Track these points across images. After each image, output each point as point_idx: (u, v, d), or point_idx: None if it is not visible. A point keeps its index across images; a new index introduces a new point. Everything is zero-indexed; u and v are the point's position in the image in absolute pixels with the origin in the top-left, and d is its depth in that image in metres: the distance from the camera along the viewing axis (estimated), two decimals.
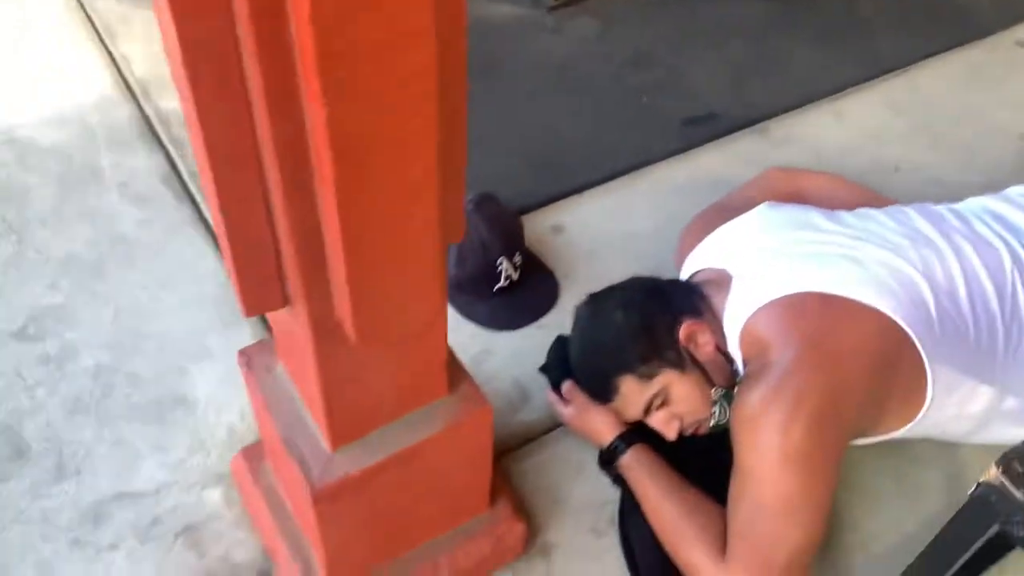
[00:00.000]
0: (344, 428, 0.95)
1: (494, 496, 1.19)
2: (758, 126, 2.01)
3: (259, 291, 0.81)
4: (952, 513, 1.23)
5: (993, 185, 1.88)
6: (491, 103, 2.06)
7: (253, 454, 1.23)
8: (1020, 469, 0.80)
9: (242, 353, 1.06)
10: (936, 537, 0.90)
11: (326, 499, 0.96)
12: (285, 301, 0.82)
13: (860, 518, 1.31)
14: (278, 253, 0.77)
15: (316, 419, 0.97)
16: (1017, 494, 0.79)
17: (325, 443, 0.96)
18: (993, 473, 0.80)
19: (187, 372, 1.47)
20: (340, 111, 0.61)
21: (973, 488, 0.83)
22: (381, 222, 0.72)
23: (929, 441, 1.31)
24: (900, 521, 1.30)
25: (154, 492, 1.31)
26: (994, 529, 0.84)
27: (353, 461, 0.96)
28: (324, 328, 0.82)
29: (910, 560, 1.25)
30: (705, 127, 2.00)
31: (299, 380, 0.98)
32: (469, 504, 1.16)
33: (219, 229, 0.76)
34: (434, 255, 0.78)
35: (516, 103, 2.07)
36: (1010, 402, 1.26)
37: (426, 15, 0.60)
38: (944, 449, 1.36)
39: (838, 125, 2.05)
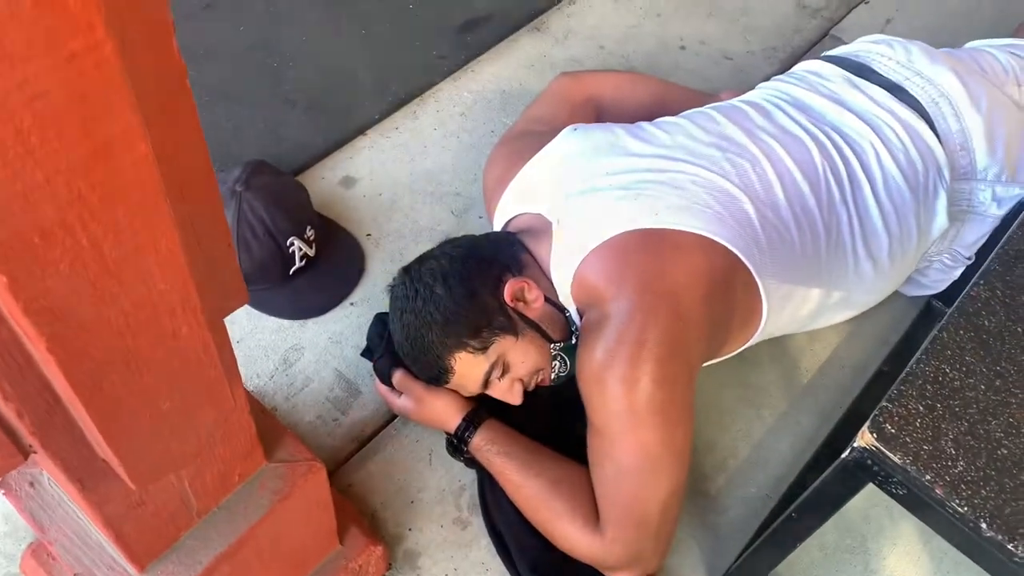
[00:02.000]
0: (147, 546, 0.78)
1: (342, 529, 1.06)
2: (536, 22, 1.86)
3: None
4: (792, 411, 1.25)
5: (777, 51, 1.87)
6: (230, 42, 1.76)
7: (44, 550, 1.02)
8: (892, 431, 0.77)
9: None
10: (808, 494, 0.87)
11: None
12: (26, 454, 0.62)
13: (714, 437, 1.30)
14: None
15: (109, 540, 0.78)
16: (893, 457, 0.76)
17: (129, 566, 0.79)
18: (868, 438, 0.77)
19: None
20: None
21: (847, 452, 0.80)
22: (125, 354, 0.53)
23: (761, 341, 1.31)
24: (748, 431, 1.31)
25: None
26: (867, 487, 0.82)
27: None
28: (86, 472, 0.63)
29: (763, 470, 1.27)
30: (482, 31, 1.82)
31: (76, 499, 0.79)
32: (317, 550, 1.03)
33: None
34: (208, 350, 0.61)
35: (263, 38, 1.78)
36: (836, 295, 1.27)
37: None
38: (774, 345, 1.37)
39: (616, 6, 1.93)
